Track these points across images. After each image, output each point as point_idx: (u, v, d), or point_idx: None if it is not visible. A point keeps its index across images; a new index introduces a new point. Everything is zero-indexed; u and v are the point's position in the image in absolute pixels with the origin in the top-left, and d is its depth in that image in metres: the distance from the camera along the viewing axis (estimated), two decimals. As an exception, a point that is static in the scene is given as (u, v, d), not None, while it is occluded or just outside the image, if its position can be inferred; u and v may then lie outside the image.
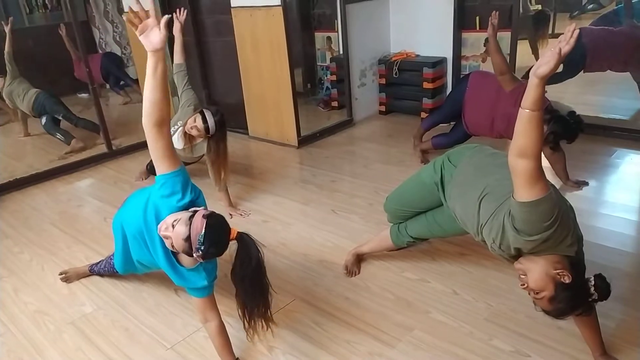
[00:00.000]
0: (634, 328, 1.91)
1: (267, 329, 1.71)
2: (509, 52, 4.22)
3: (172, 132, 3.14)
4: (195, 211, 1.60)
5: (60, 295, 2.41)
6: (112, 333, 2.11)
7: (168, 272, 1.76)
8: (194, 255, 1.59)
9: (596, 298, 1.51)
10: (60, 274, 2.49)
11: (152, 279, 2.44)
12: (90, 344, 2.06)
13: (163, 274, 2.37)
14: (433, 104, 4.56)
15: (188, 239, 1.54)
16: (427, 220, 2.14)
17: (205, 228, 1.54)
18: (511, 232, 1.51)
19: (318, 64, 5.63)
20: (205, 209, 1.66)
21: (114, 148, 4.30)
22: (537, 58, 4.25)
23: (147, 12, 1.49)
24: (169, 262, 1.73)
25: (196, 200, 1.69)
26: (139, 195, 1.90)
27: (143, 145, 4.43)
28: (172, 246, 1.59)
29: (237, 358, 1.85)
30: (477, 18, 4.34)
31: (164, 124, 1.61)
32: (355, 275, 2.39)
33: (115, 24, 6.82)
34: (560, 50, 1.30)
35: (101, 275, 2.48)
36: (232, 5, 4.16)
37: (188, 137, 3.03)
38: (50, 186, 3.80)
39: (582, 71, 4.13)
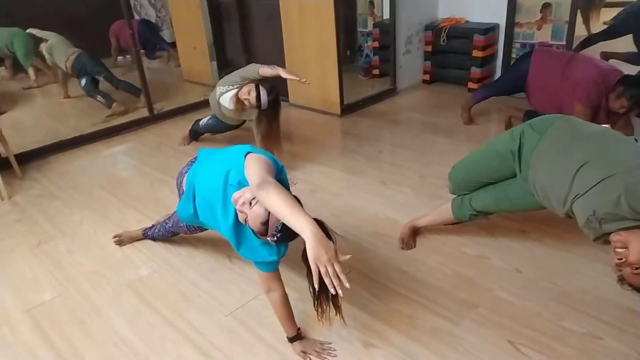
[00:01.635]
0: None
1: (336, 315, 1.66)
2: (567, 20, 4.01)
3: (223, 90, 3.09)
4: None
5: (114, 257, 2.41)
6: (170, 297, 2.11)
7: (234, 244, 1.71)
8: (268, 238, 1.54)
9: None
10: (114, 237, 2.49)
11: (205, 244, 2.43)
12: (148, 307, 2.06)
13: (216, 240, 2.39)
14: (482, 73, 4.38)
15: (266, 223, 1.49)
16: (495, 192, 2.05)
17: None
18: (626, 208, 1.43)
19: (359, 29, 5.45)
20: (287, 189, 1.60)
21: (155, 112, 4.27)
22: (588, 28, 4.08)
23: None
24: (238, 235, 1.68)
25: (279, 176, 1.64)
26: (220, 158, 1.81)
27: (184, 110, 4.43)
28: (246, 222, 1.54)
29: (299, 328, 1.82)
30: (535, -18, 4.10)
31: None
32: (412, 248, 2.33)
33: (150, -14, 6.71)
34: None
35: (154, 239, 2.48)
36: (277, -33, 4.01)
37: (240, 102, 2.98)
38: (94, 149, 3.80)
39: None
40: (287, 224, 1.40)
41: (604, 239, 1.64)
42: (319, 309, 1.66)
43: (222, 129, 3.46)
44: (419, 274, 2.16)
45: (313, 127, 3.88)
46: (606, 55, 4.11)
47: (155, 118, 4.26)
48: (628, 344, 1.72)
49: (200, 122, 3.52)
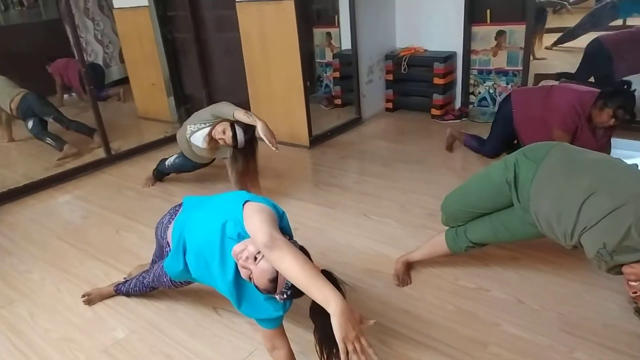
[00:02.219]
0: None
1: None
2: (522, 47, 4.15)
3: (194, 128, 2.93)
4: None
5: (84, 319, 2.17)
6: (154, 361, 1.90)
7: (235, 301, 1.55)
8: (276, 296, 1.40)
9: None
10: (83, 295, 2.25)
11: (186, 296, 2.23)
12: (130, 375, 1.84)
13: (198, 289, 2.20)
14: (444, 100, 4.45)
15: (275, 280, 1.36)
16: (492, 223, 2.00)
17: None
18: (638, 239, 1.39)
19: (317, 60, 5.45)
20: (292, 240, 1.47)
21: (112, 152, 4.03)
22: (532, 53, 4.24)
23: None
24: (239, 291, 1.52)
25: (281, 224, 1.50)
26: (213, 207, 1.66)
27: (143, 149, 4.21)
28: (250, 278, 1.39)
29: (306, 385, 1.67)
30: (488, 11, 4.24)
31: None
32: (408, 284, 2.24)
33: (96, 22, 6.45)
34: None
35: (128, 295, 2.25)
36: (236, 0, 3.94)
37: (213, 141, 2.83)
38: (47, 196, 3.51)
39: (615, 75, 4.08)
40: (306, 293, 1.27)
41: (615, 270, 1.61)
42: None
43: (191, 168, 3.28)
44: (421, 312, 2.06)
45: (283, 161, 3.76)
46: (540, 77, 4.28)
47: (112, 159, 4.01)
48: (645, 372, 1.69)
49: (166, 162, 3.33)
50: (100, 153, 4.02)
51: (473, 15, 4.29)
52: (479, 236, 2.05)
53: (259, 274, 1.35)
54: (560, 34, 5.60)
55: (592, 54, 4.24)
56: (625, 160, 1.74)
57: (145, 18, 4.70)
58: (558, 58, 5.44)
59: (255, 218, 1.40)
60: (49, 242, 2.85)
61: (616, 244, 1.49)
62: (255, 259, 1.36)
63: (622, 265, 1.54)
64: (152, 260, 2.25)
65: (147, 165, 3.85)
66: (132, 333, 2.06)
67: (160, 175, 3.47)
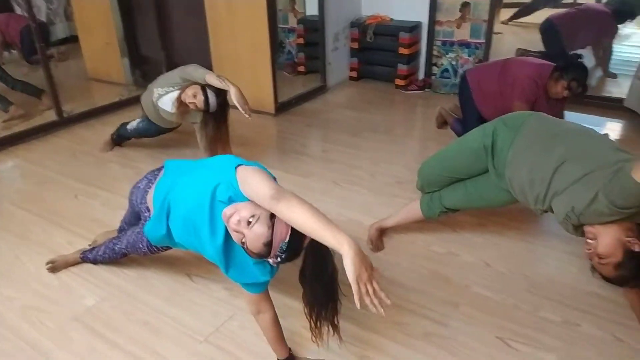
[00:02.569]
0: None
1: (333, 335, 1.53)
2: (485, 19, 4.22)
3: (161, 92, 2.81)
4: None
5: (50, 287, 2.08)
6: (130, 328, 1.85)
7: (223, 266, 1.52)
8: (270, 260, 1.39)
9: None
10: (47, 263, 2.15)
11: (156, 263, 2.18)
12: (106, 342, 1.79)
13: (169, 256, 2.15)
14: (408, 70, 4.48)
15: (269, 244, 1.33)
16: (466, 189, 2.06)
17: (291, 235, 1.34)
18: (605, 202, 1.46)
19: (280, 25, 5.32)
20: None
21: (65, 115, 3.80)
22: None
23: None
24: (228, 256, 1.50)
25: None
26: (202, 172, 1.59)
27: (98, 112, 4.01)
28: (243, 243, 1.37)
29: (290, 348, 1.69)
30: (454, -19, 4.26)
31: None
32: (381, 250, 2.29)
33: (39, -27, 5.98)
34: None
35: (95, 262, 2.17)
36: (200, -44, 3.75)
37: (183, 105, 2.71)
38: (-5, 159, 3.29)
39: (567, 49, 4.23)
40: (318, 239, 1.26)
41: (580, 231, 1.70)
42: (316, 330, 1.53)
43: (155, 133, 3.15)
44: (396, 276, 2.12)
45: (249, 128, 3.69)
46: (522, 52, 4.41)
47: (65, 122, 3.79)
48: (603, 328, 1.82)
49: (128, 126, 3.18)
50: (51, 115, 3.79)
51: (439, -15, 4.30)
52: (453, 202, 2.11)
53: (254, 238, 1.33)
54: (516, 9, 5.77)
55: (544, 31, 4.40)
56: (597, 130, 1.83)
57: (98, -27, 4.40)
58: (512, 33, 5.60)
59: (253, 178, 1.38)
60: (3, 208, 2.69)
61: (584, 207, 1.57)
62: (249, 223, 1.34)
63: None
64: (121, 227, 2.17)
65: (102, 129, 3.68)
66: (102, 300, 2.00)
67: (120, 139, 3.32)
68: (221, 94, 2.67)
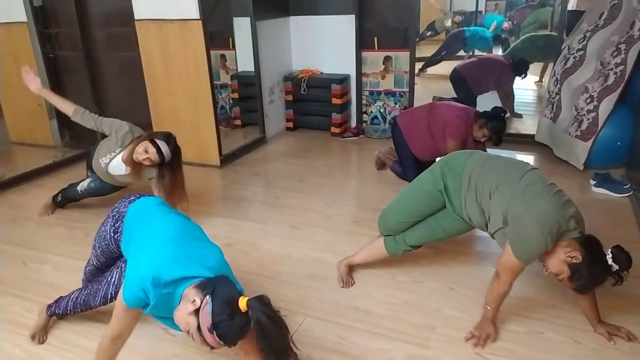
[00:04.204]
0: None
1: None
2: (406, 70, 4.64)
3: (106, 160, 2.82)
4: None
5: (14, 358, 1.93)
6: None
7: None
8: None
9: (619, 268, 1.76)
10: (31, 337, 2.02)
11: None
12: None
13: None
14: (342, 118, 4.76)
15: (198, 328, 1.40)
16: (428, 225, 2.22)
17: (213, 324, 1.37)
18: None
19: (211, 82, 5.44)
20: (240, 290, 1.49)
21: (-5, 181, 3.59)
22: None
23: None
24: None
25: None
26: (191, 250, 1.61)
27: (30, 176, 3.83)
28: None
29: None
30: (375, 39, 4.66)
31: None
32: (352, 285, 2.39)
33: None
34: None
35: (62, 317, 2.07)
36: (135, 18, 3.82)
37: (136, 164, 2.69)
38: None
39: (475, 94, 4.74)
40: None
41: None
42: None
43: (109, 191, 3.06)
44: (370, 307, 2.22)
45: (197, 180, 3.70)
46: (439, 99, 4.86)
47: (-5, 187, 3.57)
48: (562, 333, 2.02)
49: (78, 187, 3.06)
50: (-21, 182, 3.56)
51: (363, 42, 4.68)
52: (417, 239, 2.28)
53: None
54: (422, 63, 6.39)
55: (453, 79, 4.93)
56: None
57: (24, 35, 4.30)
58: (423, 84, 6.15)
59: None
60: (-61, 282, 2.47)
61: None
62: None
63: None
64: (87, 277, 2.10)
65: (38, 193, 3.53)
66: (78, 366, 1.90)
67: (66, 201, 3.19)
68: (171, 140, 2.67)
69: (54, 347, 1.99)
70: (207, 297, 1.39)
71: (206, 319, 1.37)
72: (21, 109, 4.57)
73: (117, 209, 1.88)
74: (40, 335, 2.03)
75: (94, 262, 2.02)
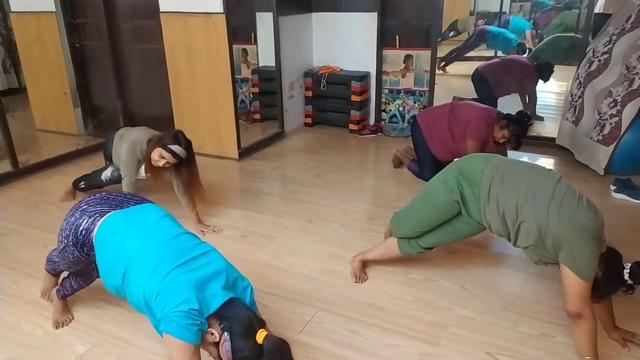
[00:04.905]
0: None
1: None
2: (427, 70, 4.62)
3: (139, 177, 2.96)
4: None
5: (34, 338, 2.00)
6: (129, 372, 1.82)
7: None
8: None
9: (632, 283, 1.74)
10: (53, 323, 2.07)
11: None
12: (105, 389, 1.75)
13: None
14: (360, 115, 4.76)
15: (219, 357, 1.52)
16: (444, 230, 2.20)
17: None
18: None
19: (233, 76, 5.49)
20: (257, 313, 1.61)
21: (20, 166, 3.68)
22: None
23: None
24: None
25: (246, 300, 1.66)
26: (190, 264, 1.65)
27: (53, 162, 3.92)
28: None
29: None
30: (397, 37, 4.65)
31: None
32: (365, 281, 2.40)
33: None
34: None
35: (68, 294, 2.10)
36: (161, 10, 3.88)
37: (154, 168, 2.74)
38: (-53, 213, 3.12)
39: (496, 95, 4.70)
40: None
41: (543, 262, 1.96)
42: None
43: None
44: (382, 303, 2.23)
45: (215, 172, 3.74)
46: (459, 99, 4.83)
47: (21, 172, 3.67)
48: (575, 337, 2.01)
49: (102, 176, 3.13)
50: (5, 166, 3.65)
51: (384, 40, 4.68)
52: (432, 242, 2.27)
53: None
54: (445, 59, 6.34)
55: (474, 80, 4.89)
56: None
57: (51, 24, 4.40)
58: (444, 84, 6.10)
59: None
60: (-36, 262, 2.55)
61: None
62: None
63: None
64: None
65: (60, 179, 3.61)
66: (94, 347, 1.95)
67: (89, 188, 3.26)
68: (180, 138, 2.68)
69: (72, 328, 2.05)
70: (226, 334, 1.48)
71: (227, 355, 1.48)
72: (47, 97, 4.68)
73: (73, 232, 1.84)
74: (62, 319, 2.08)
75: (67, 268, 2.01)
